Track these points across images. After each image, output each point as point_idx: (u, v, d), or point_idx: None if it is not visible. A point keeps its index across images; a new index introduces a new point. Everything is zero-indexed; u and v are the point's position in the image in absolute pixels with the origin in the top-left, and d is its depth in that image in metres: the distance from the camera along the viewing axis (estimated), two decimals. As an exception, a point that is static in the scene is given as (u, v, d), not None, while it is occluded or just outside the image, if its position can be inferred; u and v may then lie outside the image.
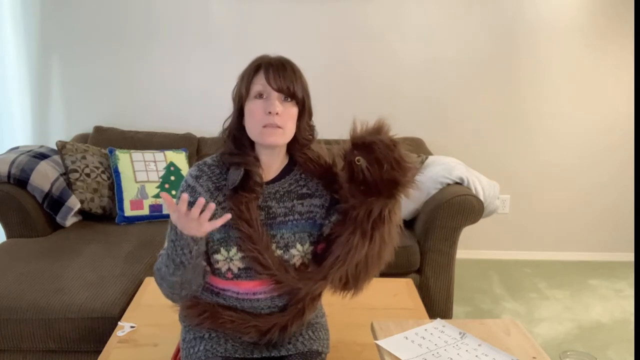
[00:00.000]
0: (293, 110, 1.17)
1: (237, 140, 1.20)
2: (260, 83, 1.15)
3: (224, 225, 1.16)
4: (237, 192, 1.16)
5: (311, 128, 1.24)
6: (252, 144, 1.20)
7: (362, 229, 1.10)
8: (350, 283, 1.17)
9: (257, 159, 1.19)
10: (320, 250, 1.22)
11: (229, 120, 1.22)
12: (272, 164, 1.22)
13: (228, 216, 1.05)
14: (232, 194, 1.16)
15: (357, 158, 1.09)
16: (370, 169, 1.08)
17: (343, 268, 1.13)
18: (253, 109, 1.15)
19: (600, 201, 3.32)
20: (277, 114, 1.13)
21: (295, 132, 1.20)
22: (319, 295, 1.28)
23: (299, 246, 1.20)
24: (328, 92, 3.06)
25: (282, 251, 1.19)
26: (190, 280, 1.15)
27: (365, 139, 1.10)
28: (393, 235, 1.15)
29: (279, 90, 1.14)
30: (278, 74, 1.14)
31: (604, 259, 3.36)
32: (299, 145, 1.22)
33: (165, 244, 1.18)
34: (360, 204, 1.10)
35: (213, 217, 1.18)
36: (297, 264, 1.20)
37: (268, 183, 1.22)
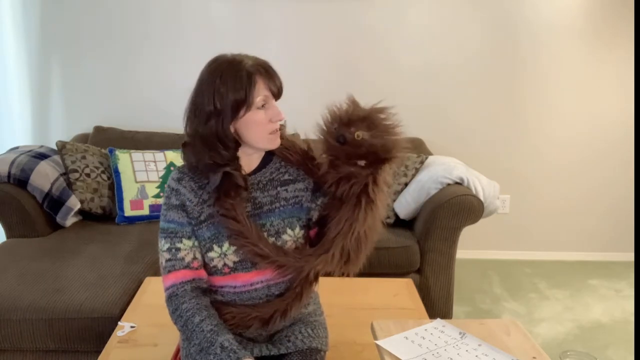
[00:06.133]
0: None
1: (214, 151, 1.14)
2: (262, 94, 1.14)
3: (212, 223, 1.19)
4: (221, 197, 1.16)
5: None
6: (236, 145, 1.17)
7: (367, 199, 1.14)
8: (352, 257, 1.19)
9: (237, 161, 1.18)
10: (313, 235, 1.25)
11: (202, 127, 1.14)
12: (253, 157, 1.24)
13: None
14: (217, 197, 1.17)
15: (356, 133, 1.12)
16: (374, 137, 1.12)
17: (346, 240, 1.15)
18: (257, 119, 1.15)
19: (600, 201, 3.32)
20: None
21: None
22: (316, 277, 1.27)
23: (289, 231, 1.22)
24: (328, 92, 3.02)
25: (273, 238, 1.21)
26: None
27: (360, 113, 1.15)
28: (386, 198, 1.22)
29: (278, 94, 1.18)
30: (274, 80, 1.16)
31: (604, 259, 3.36)
32: None
33: (165, 245, 1.21)
34: (364, 176, 1.14)
35: (200, 215, 1.20)
36: (292, 248, 1.23)
37: (250, 174, 1.24)
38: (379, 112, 1.16)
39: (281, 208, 1.23)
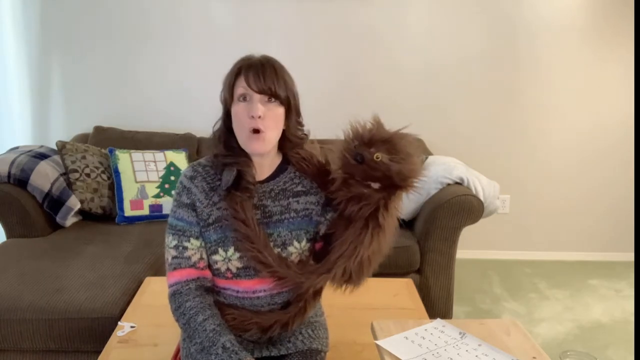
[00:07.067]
0: (278, 111, 1.16)
1: (227, 143, 1.21)
2: (241, 86, 1.15)
3: (220, 226, 1.18)
4: (231, 192, 1.16)
5: (301, 126, 1.25)
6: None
7: (375, 223, 1.12)
8: (353, 277, 1.18)
9: (249, 159, 1.20)
10: (318, 248, 1.23)
11: (219, 123, 1.23)
12: (263, 163, 1.23)
13: None
14: (227, 195, 1.17)
15: (375, 155, 1.10)
16: (393, 162, 1.10)
17: (349, 262, 1.14)
18: (238, 111, 1.15)
19: (600, 201, 3.32)
20: (259, 117, 1.13)
21: (285, 131, 1.20)
22: (320, 291, 1.28)
23: (296, 244, 1.21)
24: (328, 92, 3.06)
25: (279, 249, 1.19)
26: None
27: (383, 135, 1.13)
28: (395, 224, 1.20)
29: (260, 92, 1.14)
30: (258, 75, 1.13)
31: (604, 259, 3.36)
32: (291, 144, 1.23)
33: (172, 241, 1.20)
34: (375, 200, 1.12)
35: (209, 218, 1.19)
36: (295, 261, 1.21)
37: (262, 182, 1.22)
38: (401, 137, 1.13)
39: (290, 219, 1.21)
